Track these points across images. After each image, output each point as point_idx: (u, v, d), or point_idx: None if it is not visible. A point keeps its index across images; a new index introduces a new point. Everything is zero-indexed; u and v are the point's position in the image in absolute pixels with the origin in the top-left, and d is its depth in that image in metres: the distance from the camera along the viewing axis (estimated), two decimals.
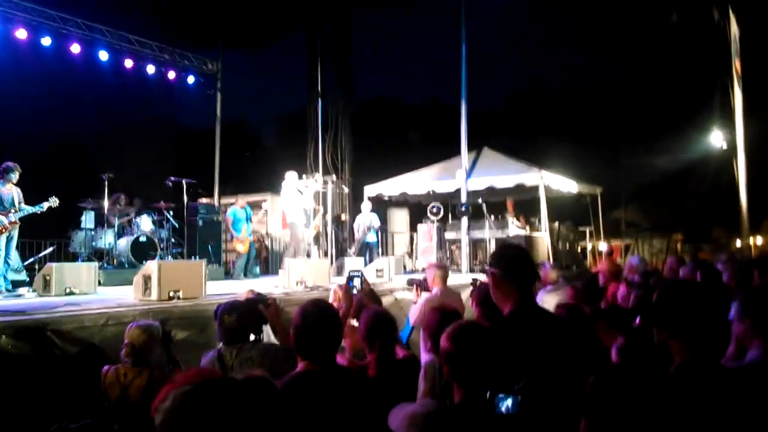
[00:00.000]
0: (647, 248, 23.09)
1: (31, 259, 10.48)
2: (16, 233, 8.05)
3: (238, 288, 8.10)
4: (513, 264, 2.67)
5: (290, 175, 10.75)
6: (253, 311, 3.66)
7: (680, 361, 2.18)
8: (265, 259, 15.30)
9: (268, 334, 4.10)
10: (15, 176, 7.95)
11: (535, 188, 13.65)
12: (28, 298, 7.28)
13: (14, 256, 8.26)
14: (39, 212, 8.12)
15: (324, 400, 2.37)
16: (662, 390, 1.91)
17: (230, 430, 1.22)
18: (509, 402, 1.84)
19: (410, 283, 6.35)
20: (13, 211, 7.86)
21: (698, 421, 1.94)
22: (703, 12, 16.05)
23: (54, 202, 8.25)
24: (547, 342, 2.46)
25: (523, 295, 2.62)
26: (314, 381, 2.45)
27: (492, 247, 14.02)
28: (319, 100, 15.76)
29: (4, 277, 7.81)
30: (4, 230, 7.77)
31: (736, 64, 16.01)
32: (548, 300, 5.75)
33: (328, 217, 12.35)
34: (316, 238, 12.09)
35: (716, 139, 17.84)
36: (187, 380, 1.28)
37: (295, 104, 25.41)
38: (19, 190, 8.08)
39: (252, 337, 3.90)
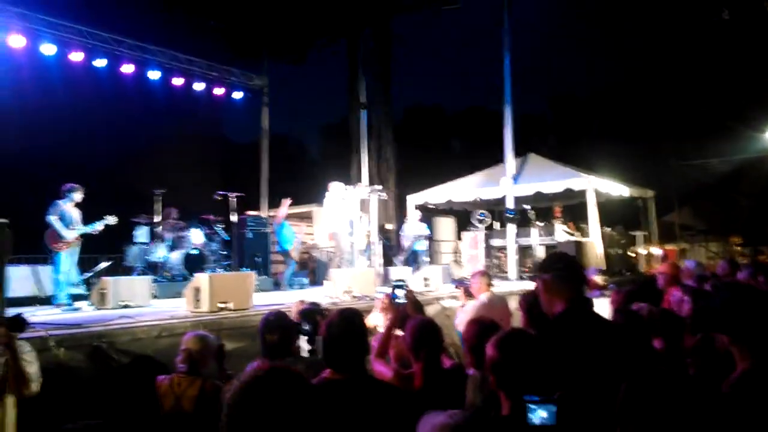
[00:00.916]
0: (703, 252, 22.34)
1: (89, 274, 10.82)
2: (78, 249, 8.37)
3: (287, 299, 8.21)
4: (564, 267, 2.68)
5: (334, 186, 10.78)
6: (308, 320, 3.68)
7: (743, 368, 2.10)
8: (313, 270, 15.43)
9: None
10: (78, 196, 8.30)
11: (583, 193, 13.40)
12: (85, 311, 7.52)
13: (74, 272, 8.56)
14: (92, 232, 8.43)
15: (341, 407, 2.36)
16: (724, 398, 1.85)
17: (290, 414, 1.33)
18: (545, 412, 1.79)
19: (457, 285, 6.32)
20: (75, 228, 8.20)
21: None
22: (755, 7, 15.55)
23: (112, 219, 8.54)
24: (595, 344, 2.40)
25: (574, 295, 2.60)
26: (333, 389, 2.46)
27: (539, 253, 13.84)
28: (362, 110, 15.82)
29: (56, 295, 8.11)
30: (67, 245, 8.10)
31: None
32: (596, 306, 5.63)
33: (374, 226, 12.38)
34: (365, 247, 12.12)
35: None
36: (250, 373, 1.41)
37: (338, 115, 25.69)
38: (78, 210, 8.40)
39: (307, 347, 3.95)
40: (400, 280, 3.97)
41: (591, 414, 2.06)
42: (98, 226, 8.43)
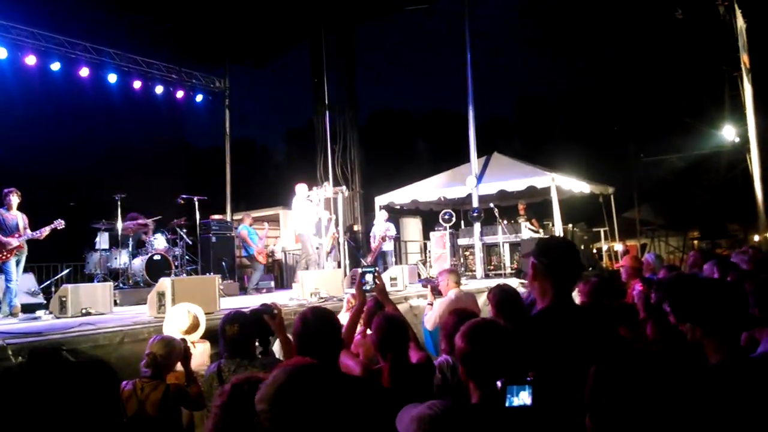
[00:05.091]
0: (663, 247, 22.85)
1: (47, 282, 10.56)
2: (24, 255, 8.10)
3: (253, 303, 8.12)
4: (556, 258, 2.52)
5: (300, 188, 10.76)
6: (258, 321, 3.64)
7: (718, 359, 2.13)
8: (279, 273, 15.32)
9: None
10: (14, 200, 8.02)
11: (547, 190, 13.57)
12: (44, 320, 7.32)
13: (22, 280, 8.30)
14: (40, 237, 8.16)
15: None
16: (702, 387, 1.87)
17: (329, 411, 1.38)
18: (523, 394, 1.80)
19: (425, 284, 6.31)
20: (17, 235, 7.93)
21: (738, 419, 1.88)
22: (707, 7, 15.97)
23: (60, 224, 8.30)
24: (576, 344, 2.35)
25: (559, 292, 2.49)
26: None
27: (505, 251, 13.98)
28: (327, 112, 15.78)
29: (10, 302, 7.88)
30: (9, 255, 7.83)
31: (744, 58, 15.89)
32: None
33: (340, 228, 12.35)
34: (331, 249, 12.08)
35: (728, 133, 17.71)
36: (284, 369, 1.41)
37: (303, 118, 25.60)
38: (24, 216, 8.14)
39: (259, 349, 3.88)
40: (370, 266, 3.88)
41: (565, 397, 2.07)
42: (45, 231, 8.17)
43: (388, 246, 13.59)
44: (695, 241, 22.19)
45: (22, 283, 8.56)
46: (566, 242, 2.78)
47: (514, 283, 10.79)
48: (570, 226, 14.49)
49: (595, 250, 17.29)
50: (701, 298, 2.26)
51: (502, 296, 4.06)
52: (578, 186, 14.71)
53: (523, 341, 2.27)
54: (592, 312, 3.55)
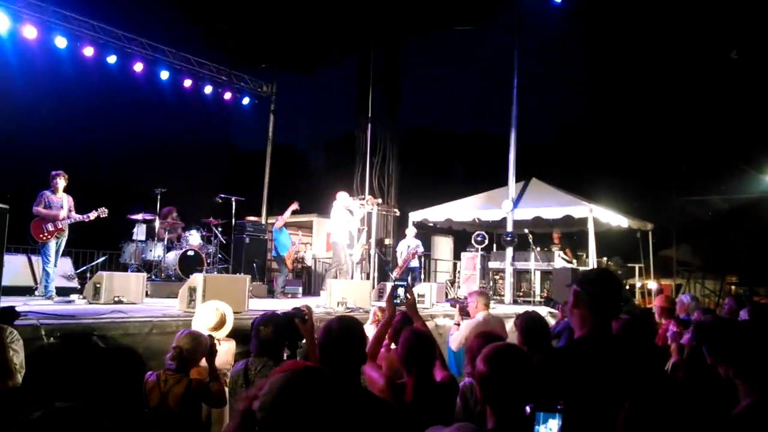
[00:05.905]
0: (699, 289, 22.29)
1: (83, 268, 10.80)
2: (64, 240, 8.25)
3: (282, 306, 8.17)
4: (599, 289, 2.50)
5: (341, 195, 10.66)
6: (290, 324, 3.64)
7: (748, 402, 2.08)
8: (308, 279, 15.40)
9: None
10: (61, 183, 8.17)
11: (584, 221, 13.37)
12: (78, 304, 7.48)
13: (59, 264, 8.47)
14: (86, 220, 8.32)
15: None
16: (729, 429, 1.83)
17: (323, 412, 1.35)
18: (552, 422, 1.76)
19: (453, 303, 6.27)
20: (61, 218, 8.09)
21: None
22: (763, 50, 15.68)
23: (103, 212, 8.45)
24: (610, 376, 2.31)
25: (599, 322, 2.46)
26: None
27: (536, 278, 13.79)
28: (369, 125, 15.87)
29: (47, 286, 8.02)
30: (50, 236, 8.01)
31: None
32: None
33: (372, 240, 12.36)
34: (359, 260, 12.09)
35: None
36: (284, 370, 1.41)
37: (343, 129, 25.80)
38: (70, 198, 8.28)
39: (287, 353, 3.89)
40: (401, 281, 3.86)
41: (593, 429, 2.02)
42: (92, 215, 8.33)
43: (415, 263, 13.54)
44: (732, 287, 21.61)
45: (60, 267, 8.75)
46: (611, 275, 2.78)
47: (543, 311, 10.70)
48: (605, 259, 14.23)
49: (628, 287, 16.93)
50: (735, 337, 2.23)
51: (528, 322, 4.04)
52: (616, 219, 14.47)
53: (551, 369, 2.24)
54: (629, 345, 3.49)
